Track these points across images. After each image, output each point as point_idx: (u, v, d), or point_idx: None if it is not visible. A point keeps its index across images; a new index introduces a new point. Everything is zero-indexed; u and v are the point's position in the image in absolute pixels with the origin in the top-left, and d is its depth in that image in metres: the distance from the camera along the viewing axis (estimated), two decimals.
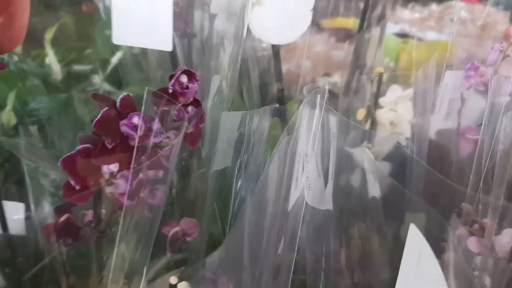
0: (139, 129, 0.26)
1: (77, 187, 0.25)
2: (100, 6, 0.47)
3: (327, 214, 0.34)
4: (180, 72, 0.27)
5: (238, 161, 0.35)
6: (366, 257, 0.35)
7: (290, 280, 0.29)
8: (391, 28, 0.60)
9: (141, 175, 0.27)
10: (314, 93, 0.33)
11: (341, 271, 0.34)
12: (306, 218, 0.33)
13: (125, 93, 0.26)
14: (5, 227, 0.39)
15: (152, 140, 0.26)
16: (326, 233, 0.34)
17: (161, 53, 0.45)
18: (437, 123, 0.36)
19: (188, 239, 0.33)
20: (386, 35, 0.53)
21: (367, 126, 0.44)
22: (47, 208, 0.41)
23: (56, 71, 0.48)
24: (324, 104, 0.31)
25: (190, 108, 0.27)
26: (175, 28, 0.36)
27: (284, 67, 0.45)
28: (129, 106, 0.26)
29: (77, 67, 0.51)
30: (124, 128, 0.25)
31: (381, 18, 0.51)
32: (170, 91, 0.27)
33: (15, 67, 0.47)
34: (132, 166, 0.25)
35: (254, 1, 0.33)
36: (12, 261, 0.39)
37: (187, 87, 0.27)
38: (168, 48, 0.33)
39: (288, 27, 0.37)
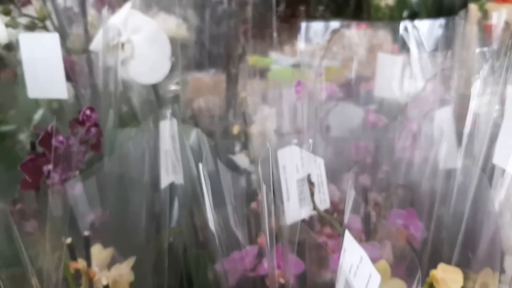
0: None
1: (30, 180, 0.42)
2: (18, 71, 0.54)
3: None
4: (85, 108, 0.44)
5: None
6: None
7: None
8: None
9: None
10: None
11: None
12: None
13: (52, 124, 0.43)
14: None
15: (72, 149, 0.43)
16: None
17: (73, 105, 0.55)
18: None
19: None
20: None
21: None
22: None
23: None
24: None
25: (93, 129, 0.44)
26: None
27: None
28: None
29: (4, 128, 0.59)
30: (55, 143, 0.42)
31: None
32: (80, 119, 0.43)
33: None
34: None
35: (128, 57, 0.50)
36: None
37: (90, 117, 0.43)
38: (64, 96, 0.47)
39: (154, 72, 0.54)
